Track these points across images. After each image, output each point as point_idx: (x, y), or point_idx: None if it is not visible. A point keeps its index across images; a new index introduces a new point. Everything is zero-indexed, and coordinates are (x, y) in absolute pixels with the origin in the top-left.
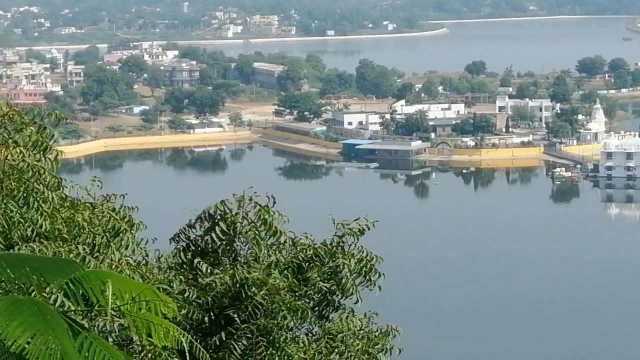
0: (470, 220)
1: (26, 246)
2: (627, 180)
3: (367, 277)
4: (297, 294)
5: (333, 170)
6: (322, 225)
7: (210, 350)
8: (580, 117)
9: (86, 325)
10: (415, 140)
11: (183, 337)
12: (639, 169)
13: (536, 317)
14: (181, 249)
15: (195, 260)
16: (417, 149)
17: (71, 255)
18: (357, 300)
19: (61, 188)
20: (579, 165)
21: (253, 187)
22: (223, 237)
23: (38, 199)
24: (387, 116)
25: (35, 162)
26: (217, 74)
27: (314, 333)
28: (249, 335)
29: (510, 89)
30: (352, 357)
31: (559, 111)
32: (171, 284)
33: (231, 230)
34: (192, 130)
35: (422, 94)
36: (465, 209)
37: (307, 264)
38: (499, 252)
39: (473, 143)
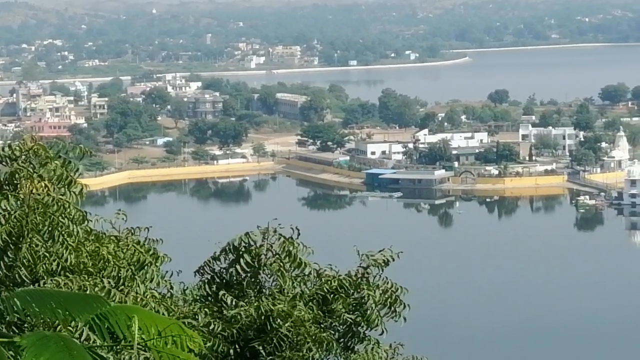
0: (495, 248)
1: (52, 280)
2: None
3: (392, 309)
4: (322, 325)
5: (356, 200)
6: (347, 256)
7: None
8: (603, 144)
9: (112, 359)
10: (438, 169)
11: None
12: None
13: (563, 344)
14: (206, 281)
15: (220, 293)
16: (440, 178)
17: (96, 289)
18: (383, 332)
19: (86, 221)
20: (602, 193)
21: (277, 218)
22: (248, 269)
23: (63, 232)
24: (410, 145)
25: (60, 196)
26: (240, 105)
27: None
28: None
29: (533, 117)
30: None
31: (582, 139)
32: (196, 317)
33: (256, 262)
34: (215, 162)
35: (445, 123)
36: (489, 238)
37: (332, 295)
38: (524, 280)
39: (496, 172)
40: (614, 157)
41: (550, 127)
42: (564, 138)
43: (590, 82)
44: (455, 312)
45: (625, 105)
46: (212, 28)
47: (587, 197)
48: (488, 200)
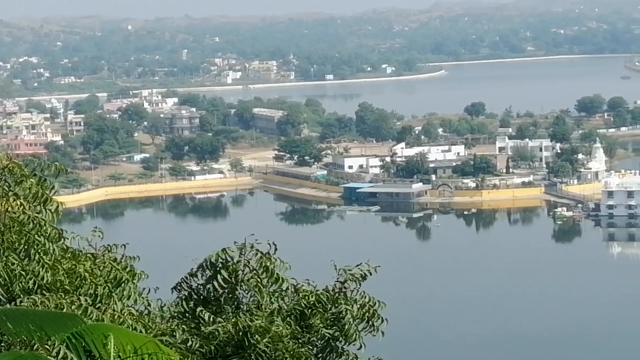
0: (472, 261)
1: (28, 298)
2: (629, 219)
3: (370, 323)
4: (300, 341)
5: (334, 214)
6: (324, 270)
7: None
8: (580, 156)
9: None
10: (416, 182)
11: None
12: None
13: (542, 354)
14: (183, 297)
15: (198, 309)
16: (418, 191)
17: (73, 307)
18: (361, 346)
19: (62, 239)
20: (580, 205)
21: (255, 233)
22: (225, 286)
23: (39, 250)
24: (388, 159)
25: (36, 214)
26: (217, 120)
27: None
28: None
29: (510, 130)
30: None
31: (559, 151)
32: (174, 334)
33: (233, 279)
34: (192, 177)
35: (422, 136)
36: (467, 251)
37: (309, 310)
38: (502, 292)
39: (474, 184)
40: (590, 169)
41: (527, 139)
42: (540, 150)
43: (566, 94)
44: (433, 325)
45: (601, 116)
46: (188, 44)
47: (565, 208)
48: (466, 213)
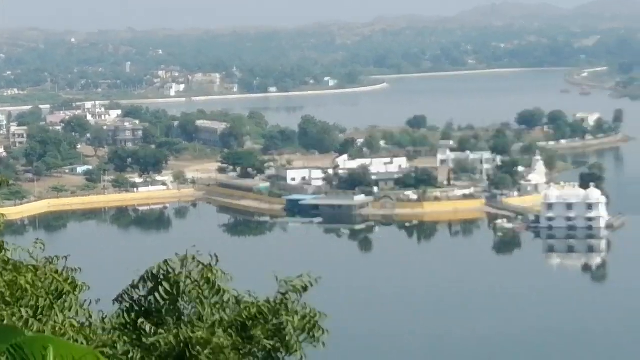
0: (414, 273)
1: None
2: (568, 231)
3: (311, 334)
4: (241, 352)
5: (277, 226)
6: (266, 282)
7: None
8: (520, 168)
9: None
10: (358, 194)
11: None
12: (580, 220)
13: None
14: (125, 309)
15: (139, 321)
16: (360, 203)
17: (14, 319)
18: (302, 357)
19: (3, 251)
20: (520, 217)
21: (197, 245)
22: (166, 297)
23: None
24: (330, 171)
25: None
26: (160, 133)
27: None
28: None
29: (451, 142)
30: None
31: (499, 163)
32: (115, 345)
33: (174, 290)
34: (135, 189)
35: (365, 149)
36: (409, 262)
37: (251, 322)
38: (442, 305)
39: (415, 196)
40: (530, 181)
41: (468, 152)
42: (481, 162)
43: (506, 107)
44: (374, 337)
45: (541, 129)
46: (132, 56)
47: (505, 220)
48: (407, 224)
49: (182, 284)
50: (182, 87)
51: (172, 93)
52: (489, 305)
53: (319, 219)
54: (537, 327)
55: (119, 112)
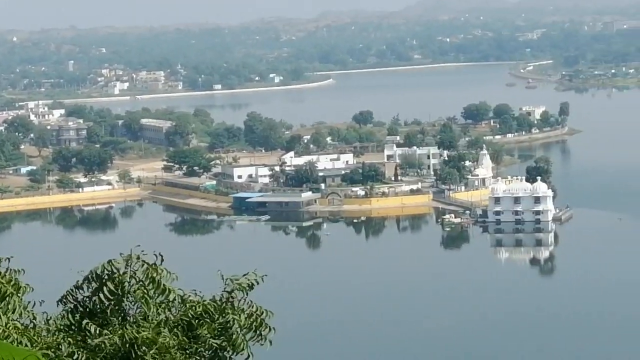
0: (361, 269)
1: None
2: (516, 225)
3: (258, 332)
4: (187, 351)
5: (224, 224)
6: (212, 281)
7: None
8: (467, 163)
9: None
10: (305, 191)
11: None
12: (527, 214)
13: None
14: (69, 310)
15: (84, 322)
16: (307, 200)
17: None
18: (249, 356)
19: None
20: (467, 211)
21: (143, 245)
22: (111, 297)
23: None
24: (277, 168)
25: None
26: (105, 132)
27: None
28: None
29: (398, 138)
30: None
31: (446, 158)
32: (60, 347)
33: (119, 290)
34: (80, 189)
35: (311, 145)
36: (356, 259)
37: (197, 321)
38: (391, 301)
39: (363, 192)
40: (477, 176)
41: (415, 147)
42: (428, 157)
43: (452, 102)
44: (322, 333)
45: (487, 123)
46: (74, 55)
47: (452, 215)
48: (355, 220)
49: (126, 284)
50: (126, 85)
51: (116, 91)
52: (438, 299)
53: (266, 217)
54: (485, 320)
55: (62, 111)
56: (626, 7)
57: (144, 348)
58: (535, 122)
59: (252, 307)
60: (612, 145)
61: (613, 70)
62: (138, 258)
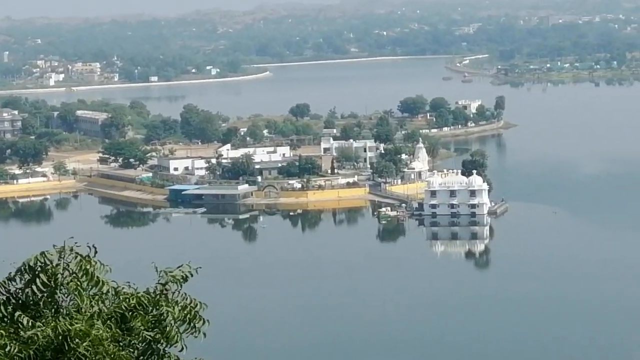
0: (298, 262)
1: None
2: (451, 218)
3: (192, 324)
4: (121, 344)
5: (160, 216)
6: (147, 273)
7: None
8: (404, 156)
9: None
10: (242, 184)
11: None
12: (462, 207)
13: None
14: (1, 302)
15: (16, 314)
16: (244, 192)
17: None
18: (182, 348)
19: None
20: (404, 204)
21: (78, 237)
22: (44, 289)
23: None
24: (213, 161)
25: None
26: (40, 123)
27: None
28: None
29: (335, 131)
30: None
31: (382, 151)
32: None
33: (52, 282)
34: (15, 181)
35: (248, 138)
36: (293, 252)
37: (130, 313)
38: (328, 293)
39: (299, 185)
40: (414, 169)
41: (352, 140)
42: (365, 150)
43: (389, 95)
44: (256, 326)
45: (423, 117)
46: (9, 45)
47: (389, 208)
48: (292, 213)
49: (59, 276)
50: (61, 76)
51: (52, 83)
52: (373, 292)
53: (203, 209)
54: (419, 314)
55: None
56: (561, 2)
57: (77, 340)
58: (471, 115)
59: (186, 299)
60: (547, 139)
61: (548, 65)
62: (71, 250)
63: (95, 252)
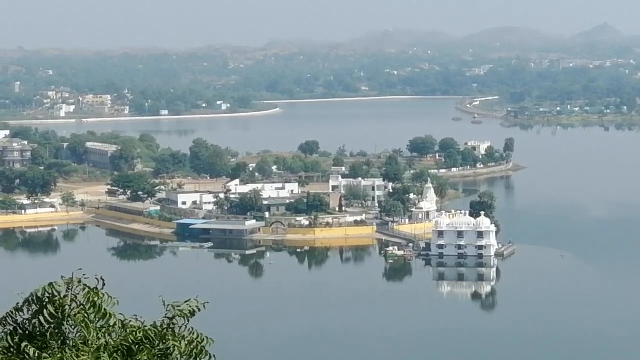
0: (304, 299)
1: None
2: (458, 259)
3: (198, 359)
4: None
5: (167, 250)
6: (153, 306)
7: None
8: (412, 195)
9: None
10: (249, 219)
11: None
12: (470, 247)
13: None
14: (8, 332)
15: (23, 344)
16: (251, 228)
17: None
18: None
19: None
20: (411, 244)
21: (85, 268)
22: (51, 320)
23: None
24: (221, 195)
25: None
26: (49, 154)
27: None
28: None
29: (343, 168)
30: None
31: (391, 190)
32: None
33: (59, 313)
34: (23, 211)
35: (256, 173)
36: (299, 288)
37: (136, 346)
38: (333, 330)
39: (307, 222)
40: (421, 208)
41: (360, 178)
42: (373, 189)
43: (398, 134)
44: None
45: (432, 156)
46: (21, 76)
47: (396, 247)
48: (298, 250)
49: (67, 307)
50: (72, 108)
51: (62, 114)
52: (380, 333)
53: (210, 244)
54: (427, 355)
55: (7, 132)
56: (572, 46)
57: None
58: (480, 156)
59: (193, 333)
60: (556, 182)
61: (558, 108)
62: (79, 281)
63: (103, 284)
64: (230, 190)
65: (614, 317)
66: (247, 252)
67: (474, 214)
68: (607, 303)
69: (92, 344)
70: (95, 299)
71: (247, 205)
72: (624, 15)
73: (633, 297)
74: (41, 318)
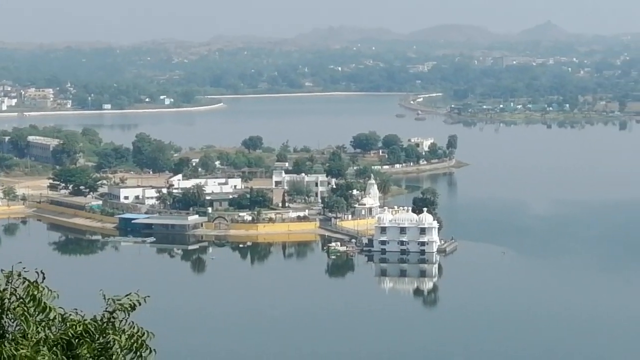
0: (245, 295)
1: None
2: (401, 255)
3: (138, 353)
4: None
5: (109, 245)
6: (94, 301)
7: None
8: (355, 192)
9: None
10: (192, 214)
11: None
12: (412, 244)
13: None
14: None
15: None
16: (194, 223)
17: None
18: None
19: None
20: (353, 240)
21: (26, 262)
22: None
23: None
24: (164, 190)
25: None
26: None
27: None
28: None
29: (287, 164)
30: None
31: (334, 186)
32: None
33: None
34: None
35: (199, 169)
36: (241, 283)
37: (77, 340)
38: (272, 326)
39: (250, 218)
40: (365, 205)
41: (303, 174)
42: (316, 185)
43: (342, 130)
44: (201, 356)
45: (376, 153)
46: None
47: (339, 243)
48: (241, 246)
49: (6, 301)
50: (14, 101)
51: (4, 107)
52: (321, 327)
53: (152, 239)
54: (367, 349)
55: None
56: (516, 44)
57: None
58: (424, 153)
59: (134, 328)
60: (498, 179)
61: (501, 105)
62: (19, 275)
63: (43, 278)
64: (173, 185)
65: (553, 313)
66: (190, 247)
67: (417, 210)
68: (547, 299)
69: (31, 337)
70: (35, 292)
71: (190, 201)
72: (568, 13)
73: (572, 292)
74: None
